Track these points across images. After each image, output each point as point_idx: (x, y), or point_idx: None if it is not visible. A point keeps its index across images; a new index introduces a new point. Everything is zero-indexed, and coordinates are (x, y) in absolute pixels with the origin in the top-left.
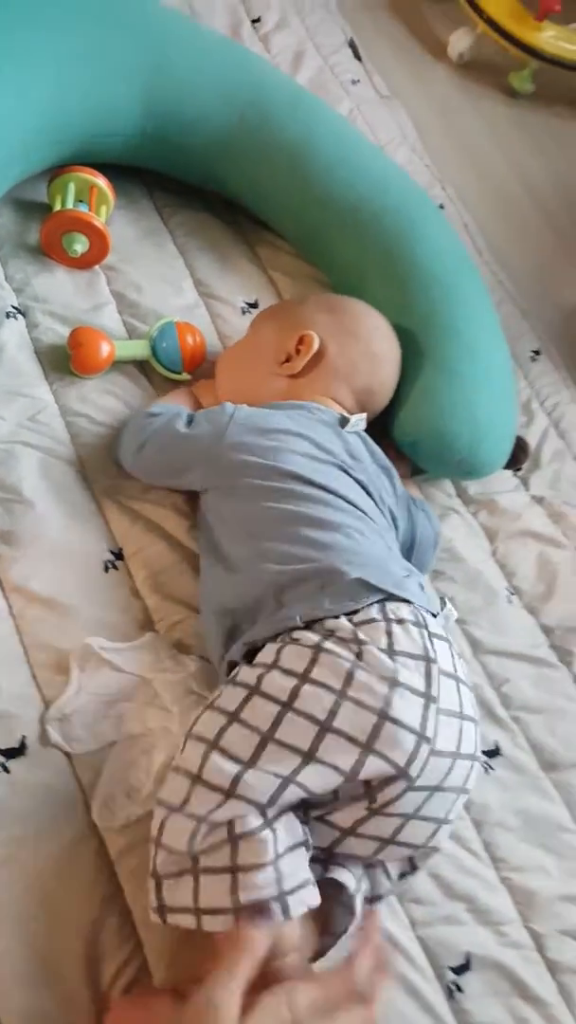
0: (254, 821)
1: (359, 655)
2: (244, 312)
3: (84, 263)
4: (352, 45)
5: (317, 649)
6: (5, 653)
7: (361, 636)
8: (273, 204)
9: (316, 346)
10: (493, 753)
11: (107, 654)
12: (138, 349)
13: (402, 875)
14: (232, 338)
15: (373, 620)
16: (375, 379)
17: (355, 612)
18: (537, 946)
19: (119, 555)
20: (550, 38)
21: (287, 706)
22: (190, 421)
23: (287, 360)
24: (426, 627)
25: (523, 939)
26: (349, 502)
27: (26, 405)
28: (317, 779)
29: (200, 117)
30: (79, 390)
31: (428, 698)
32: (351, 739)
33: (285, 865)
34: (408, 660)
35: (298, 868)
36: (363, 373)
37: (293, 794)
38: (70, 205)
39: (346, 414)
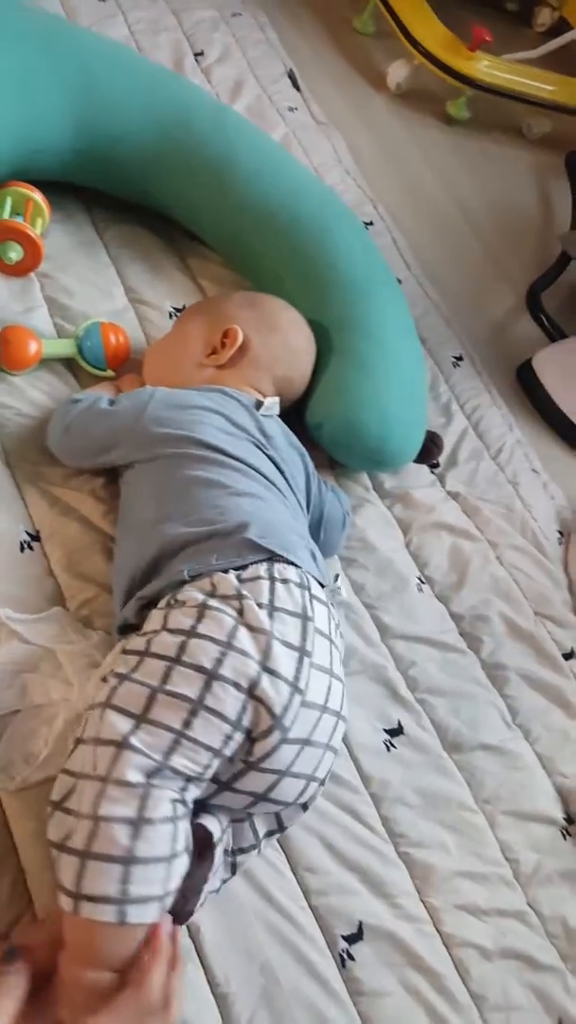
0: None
1: (240, 611)
2: (171, 316)
3: (18, 270)
4: (291, 75)
5: (203, 607)
6: None
7: (243, 592)
8: (199, 215)
9: (240, 339)
10: (396, 732)
11: (14, 624)
12: (65, 347)
13: (270, 832)
14: (157, 338)
15: (258, 578)
16: (293, 369)
17: (243, 568)
18: (433, 920)
19: (36, 536)
20: (484, 67)
21: (175, 660)
22: (112, 403)
23: (213, 352)
24: (308, 589)
25: (419, 912)
26: (259, 472)
27: None
28: (206, 731)
29: (127, 134)
30: (7, 386)
31: (303, 652)
32: (236, 685)
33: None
34: (286, 616)
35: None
36: (282, 363)
37: (186, 759)
38: (6, 216)
39: (261, 398)
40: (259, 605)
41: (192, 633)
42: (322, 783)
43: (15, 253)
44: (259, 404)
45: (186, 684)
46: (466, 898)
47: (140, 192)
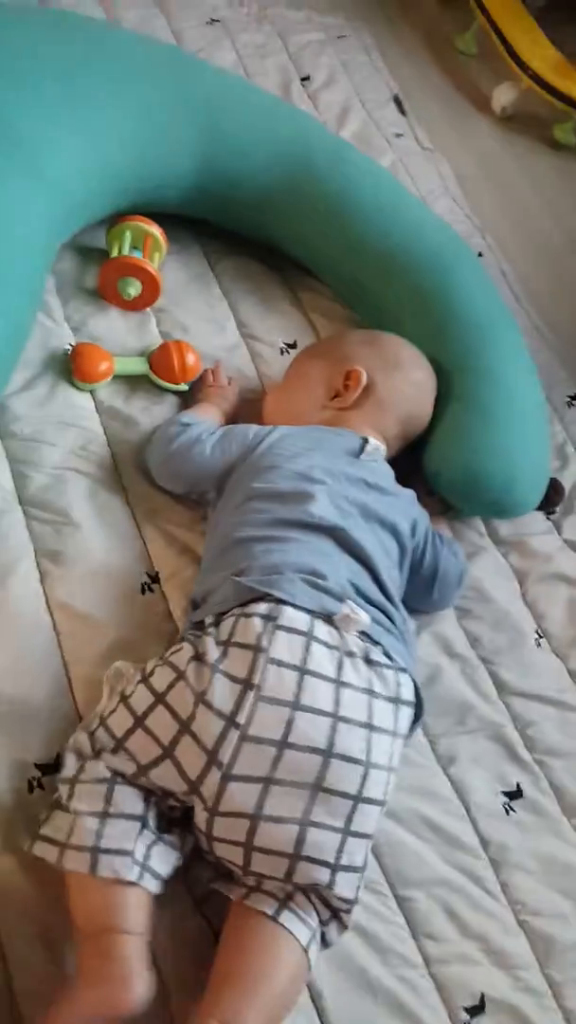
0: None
1: (196, 646)
2: (283, 352)
3: (136, 305)
4: (397, 100)
5: (180, 641)
6: (46, 667)
7: (209, 630)
8: (314, 251)
9: (364, 380)
10: (515, 795)
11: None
12: (136, 365)
13: (325, 923)
14: (270, 376)
15: (234, 616)
16: (418, 405)
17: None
18: (554, 993)
19: (155, 578)
20: None
21: (142, 679)
22: (220, 439)
23: (336, 395)
24: (273, 619)
25: (539, 985)
26: (309, 524)
27: (77, 435)
28: (140, 746)
29: (250, 172)
30: (126, 422)
31: (247, 685)
32: (174, 714)
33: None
34: (237, 649)
35: (123, 837)
36: (407, 400)
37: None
38: (126, 252)
39: (377, 442)
40: (217, 642)
41: (162, 660)
42: (347, 834)
43: (134, 289)
44: (363, 447)
45: (139, 701)
46: None
47: (256, 227)
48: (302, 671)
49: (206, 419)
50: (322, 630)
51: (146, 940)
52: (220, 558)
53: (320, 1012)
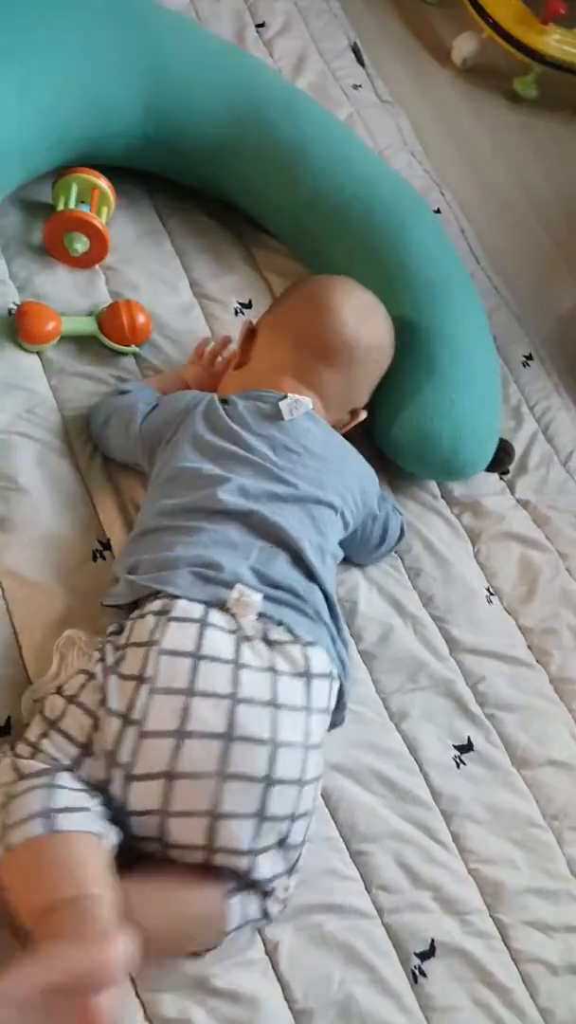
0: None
1: (103, 658)
2: (237, 312)
3: (85, 262)
4: (355, 49)
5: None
6: None
7: (110, 638)
8: (267, 205)
9: (247, 327)
10: (465, 748)
11: (87, 648)
12: (84, 324)
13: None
14: (222, 335)
15: (131, 619)
16: (331, 333)
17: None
18: (502, 936)
19: (107, 545)
20: (555, 42)
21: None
22: (150, 411)
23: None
24: (166, 613)
25: (488, 929)
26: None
27: (25, 398)
28: (56, 746)
29: (198, 119)
30: (76, 385)
31: (140, 680)
32: (88, 712)
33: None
34: (132, 649)
35: (76, 799)
36: (311, 330)
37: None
38: (72, 206)
39: (292, 395)
40: (116, 647)
41: (78, 670)
42: (262, 818)
43: (81, 244)
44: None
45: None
46: (534, 914)
47: (207, 179)
48: (196, 657)
49: (149, 388)
50: (217, 617)
51: (116, 900)
52: (134, 542)
53: (274, 964)
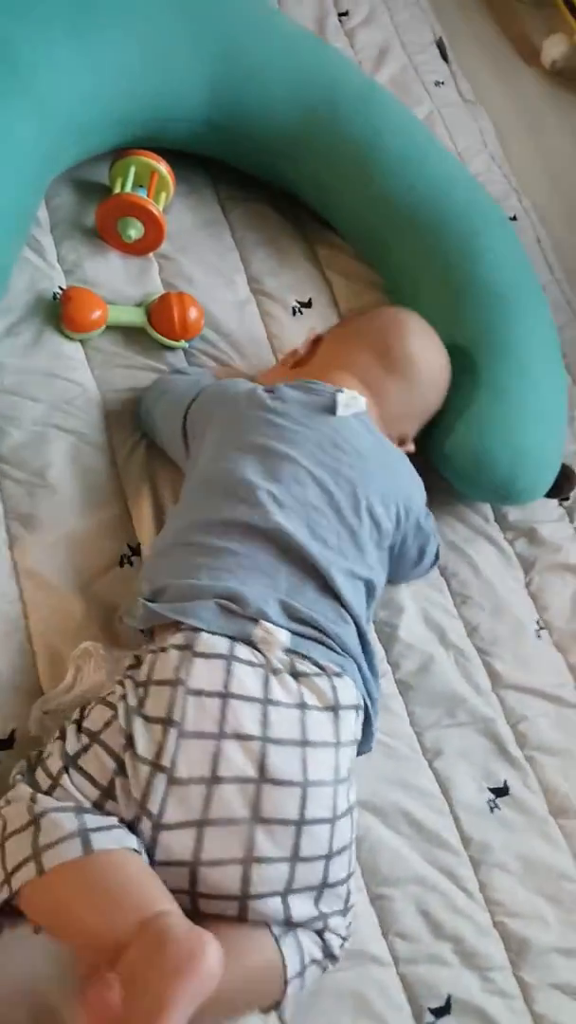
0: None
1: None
2: (295, 312)
3: (138, 249)
4: (440, 44)
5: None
6: (10, 638)
7: (130, 672)
8: (334, 201)
9: (314, 334)
10: (501, 792)
11: (105, 661)
12: (132, 315)
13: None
14: (280, 337)
15: (152, 651)
16: (401, 342)
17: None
18: (524, 997)
19: (136, 550)
20: None
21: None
22: (199, 394)
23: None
24: (190, 647)
25: (510, 988)
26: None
27: (63, 388)
28: (78, 784)
29: (268, 108)
30: (119, 377)
31: (167, 723)
32: (112, 754)
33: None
34: (156, 687)
35: (105, 820)
36: (381, 336)
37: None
38: (129, 189)
39: (349, 391)
40: (137, 683)
41: (99, 700)
42: (296, 860)
43: (135, 231)
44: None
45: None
46: (561, 976)
47: (273, 170)
48: (225, 696)
49: (210, 373)
50: (243, 651)
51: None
52: (161, 557)
53: (278, 1010)
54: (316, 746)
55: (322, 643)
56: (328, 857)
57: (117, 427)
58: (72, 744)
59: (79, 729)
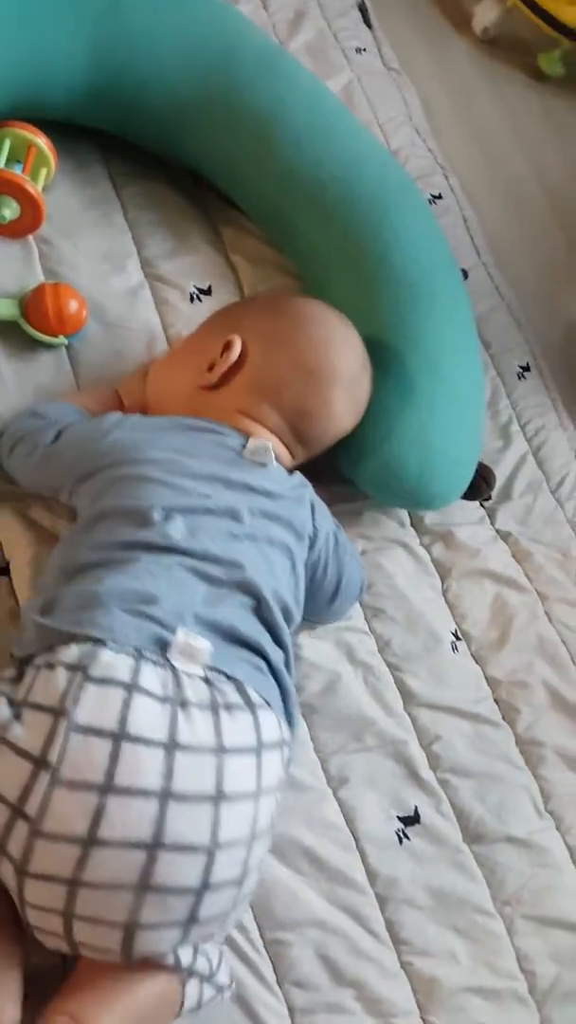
0: None
1: None
2: (193, 299)
3: (13, 231)
4: (362, 8)
5: None
6: None
7: (3, 687)
8: (236, 177)
9: (236, 352)
10: (411, 820)
11: None
12: (5, 308)
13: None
14: (175, 327)
15: (36, 666)
16: (311, 400)
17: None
18: None
19: (4, 569)
20: None
21: None
22: (57, 437)
23: (211, 368)
24: (83, 669)
25: None
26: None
27: None
28: None
29: (156, 70)
30: None
31: (38, 763)
32: None
33: None
34: (32, 713)
35: None
36: (292, 391)
37: None
38: (2, 165)
39: (256, 439)
40: (12, 701)
41: None
42: (191, 923)
43: (9, 211)
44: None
45: None
46: (473, 1017)
47: (167, 143)
48: (118, 737)
49: (68, 406)
50: (149, 677)
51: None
52: (59, 574)
53: None
54: (232, 799)
55: (248, 661)
56: (227, 914)
57: None
58: None
59: None
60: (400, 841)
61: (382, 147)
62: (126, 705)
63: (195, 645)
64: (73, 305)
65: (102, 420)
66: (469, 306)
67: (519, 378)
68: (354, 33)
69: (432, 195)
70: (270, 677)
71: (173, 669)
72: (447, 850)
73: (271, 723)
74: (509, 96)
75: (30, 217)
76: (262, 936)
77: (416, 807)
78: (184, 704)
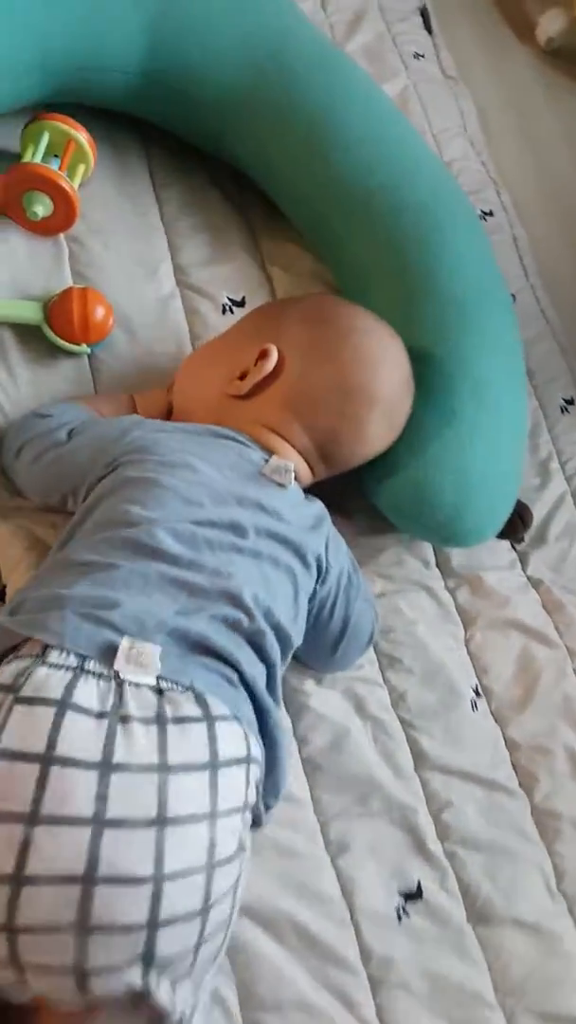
0: None
1: None
2: (225, 311)
3: (45, 229)
4: (423, 13)
5: None
6: None
7: None
8: (281, 178)
9: (271, 365)
10: (413, 896)
11: None
12: (26, 311)
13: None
14: (204, 338)
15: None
16: (346, 423)
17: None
18: None
19: (1, 593)
20: None
21: None
22: (70, 434)
23: (242, 376)
24: (15, 690)
25: None
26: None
27: None
28: None
29: (212, 63)
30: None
31: None
32: None
33: None
34: None
35: None
36: (327, 411)
37: None
38: (39, 159)
39: (279, 459)
40: None
41: None
42: (149, 962)
43: (42, 208)
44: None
45: None
46: None
47: (214, 137)
48: (46, 760)
49: (78, 408)
50: (85, 692)
51: None
52: (30, 581)
53: None
54: (178, 823)
55: (213, 669)
56: (198, 946)
57: None
58: None
59: None
60: (399, 918)
61: (436, 157)
62: (55, 725)
63: (141, 651)
64: (100, 312)
65: (120, 419)
66: (517, 331)
67: (562, 412)
68: (413, 37)
69: (482, 212)
70: (241, 690)
71: (118, 680)
72: (449, 931)
73: (233, 737)
74: (570, 111)
75: (63, 215)
76: (242, 1016)
77: (419, 881)
78: (125, 719)
